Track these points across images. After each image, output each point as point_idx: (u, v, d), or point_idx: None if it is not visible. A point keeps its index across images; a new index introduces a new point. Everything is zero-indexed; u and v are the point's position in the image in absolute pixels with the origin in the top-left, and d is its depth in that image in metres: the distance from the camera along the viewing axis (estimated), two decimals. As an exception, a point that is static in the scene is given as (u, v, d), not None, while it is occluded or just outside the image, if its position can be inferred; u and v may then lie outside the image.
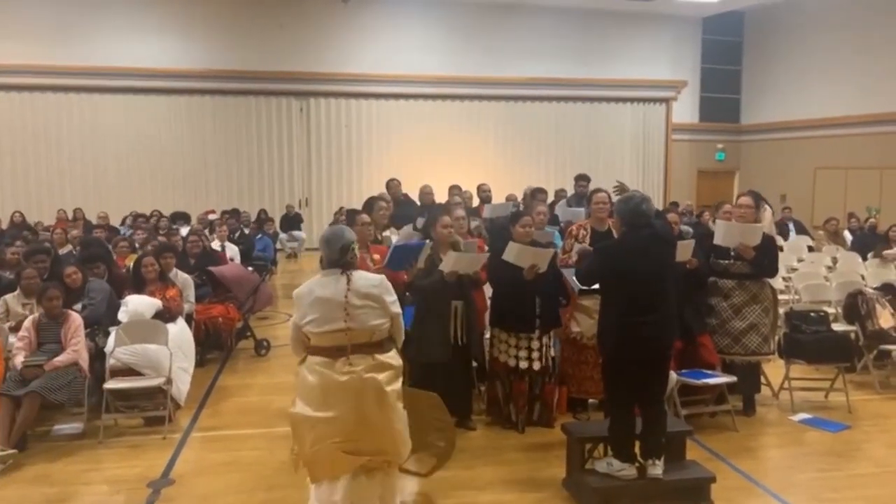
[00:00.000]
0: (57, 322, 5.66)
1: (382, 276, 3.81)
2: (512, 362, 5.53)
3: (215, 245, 9.95)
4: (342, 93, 17.70)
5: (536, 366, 5.52)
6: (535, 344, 5.51)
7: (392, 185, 9.59)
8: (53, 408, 5.60)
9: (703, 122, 20.01)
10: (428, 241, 5.52)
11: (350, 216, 5.75)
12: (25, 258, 7.06)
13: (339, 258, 3.66)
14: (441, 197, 9.57)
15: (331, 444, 3.58)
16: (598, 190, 6.21)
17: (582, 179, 9.94)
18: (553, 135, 19.04)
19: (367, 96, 17.86)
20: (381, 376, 3.60)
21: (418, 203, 9.44)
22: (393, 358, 3.70)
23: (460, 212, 6.32)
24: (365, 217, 5.69)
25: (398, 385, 3.69)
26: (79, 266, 6.54)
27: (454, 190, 9.63)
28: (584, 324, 5.66)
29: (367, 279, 3.70)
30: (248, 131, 17.44)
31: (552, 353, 5.68)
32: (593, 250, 5.16)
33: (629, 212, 4.41)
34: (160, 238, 9.48)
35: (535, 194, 9.11)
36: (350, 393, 3.54)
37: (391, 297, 3.71)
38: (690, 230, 7.07)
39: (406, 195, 9.74)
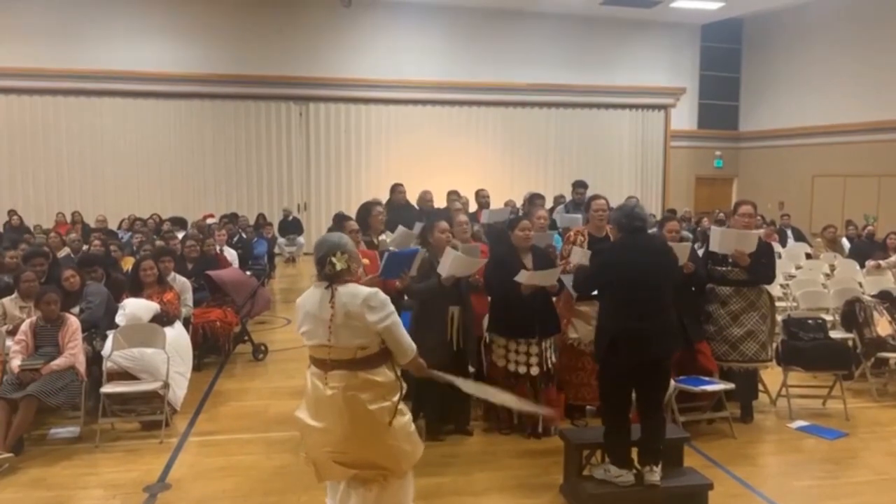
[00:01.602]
0: (54, 325, 5.65)
1: (373, 291, 3.47)
2: (511, 367, 5.53)
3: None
4: (341, 97, 17.74)
5: (535, 371, 5.51)
6: (534, 349, 5.50)
7: (398, 189, 9.56)
8: (50, 411, 5.60)
9: (701, 128, 20.08)
10: (421, 248, 5.51)
11: (338, 221, 5.71)
12: (24, 261, 7.06)
13: (320, 270, 3.50)
14: (440, 202, 9.56)
15: (323, 452, 3.56)
16: (596, 196, 6.17)
17: (579, 186, 9.92)
18: (552, 141, 19.09)
19: (367, 101, 17.90)
20: (365, 395, 3.42)
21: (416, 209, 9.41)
22: (380, 374, 3.48)
23: (463, 217, 6.31)
24: (353, 224, 5.63)
25: (387, 403, 3.47)
26: (76, 269, 6.53)
27: (452, 195, 9.61)
28: (581, 330, 5.66)
29: (353, 295, 3.42)
30: (246, 135, 17.47)
31: (552, 358, 5.68)
32: (591, 253, 5.16)
33: (624, 215, 4.50)
34: (158, 242, 9.48)
35: (533, 200, 9.11)
36: (335, 408, 3.45)
37: (375, 316, 3.40)
38: (690, 236, 7.08)
39: (407, 200, 9.72)
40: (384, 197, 9.93)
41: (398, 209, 9.16)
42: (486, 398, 4.44)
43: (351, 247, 3.57)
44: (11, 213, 13.92)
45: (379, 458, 3.55)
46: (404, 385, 3.60)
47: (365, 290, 3.46)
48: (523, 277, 5.26)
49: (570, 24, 18.40)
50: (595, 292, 4.68)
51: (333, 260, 3.44)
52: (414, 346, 3.56)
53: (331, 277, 3.46)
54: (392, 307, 3.50)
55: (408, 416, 3.63)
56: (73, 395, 5.52)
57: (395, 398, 3.52)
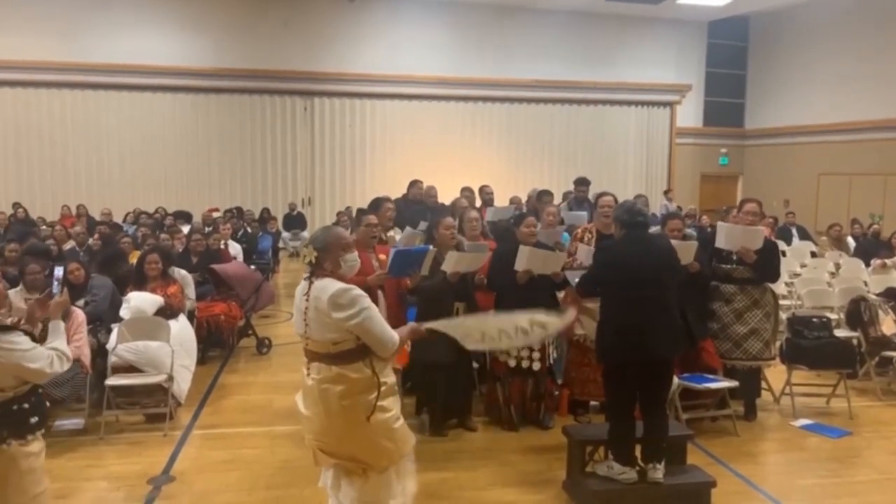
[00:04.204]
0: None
1: (342, 288, 3.38)
2: (512, 362, 5.54)
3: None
4: (346, 92, 17.71)
5: (537, 366, 5.52)
6: (537, 345, 5.50)
7: (417, 184, 9.55)
8: (55, 403, 5.58)
9: (707, 126, 20.00)
10: (430, 246, 5.51)
11: (358, 215, 5.77)
12: (28, 254, 7.07)
13: (309, 263, 3.52)
14: (447, 198, 9.57)
15: (309, 438, 3.64)
16: (603, 193, 6.17)
17: (581, 184, 9.87)
18: (557, 137, 19.04)
19: (372, 96, 17.86)
20: (337, 388, 3.39)
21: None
22: (355, 370, 3.41)
23: (473, 213, 6.31)
24: (372, 218, 5.66)
25: (361, 399, 3.40)
26: (82, 262, 6.54)
27: (465, 192, 9.59)
28: (588, 326, 5.64)
29: (325, 290, 3.38)
30: (252, 130, 17.45)
31: (554, 354, 5.68)
32: (595, 251, 5.16)
33: (625, 211, 4.54)
34: (162, 236, 9.50)
35: (541, 196, 9.09)
36: (313, 399, 3.50)
37: (343, 314, 3.32)
38: (694, 234, 7.07)
39: (422, 197, 9.70)
40: (391, 192, 9.93)
41: (413, 204, 9.19)
42: (491, 342, 3.78)
43: (328, 243, 3.49)
44: (16, 205, 13.94)
45: (356, 451, 3.53)
46: (385, 382, 3.49)
47: (335, 287, 3.38)
48: (523, 256, 5.26)
49: (576, 20, 18.34)
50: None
51: (305, 251, 3.51)
52: (395, 336, 3.45)
53: (315, 269, 3.49)
54: (365, 303, 3.39)
55: (391, 413, 3.52)
56: (78, 388, 5.54)
57: (372, 396, 3.43)
